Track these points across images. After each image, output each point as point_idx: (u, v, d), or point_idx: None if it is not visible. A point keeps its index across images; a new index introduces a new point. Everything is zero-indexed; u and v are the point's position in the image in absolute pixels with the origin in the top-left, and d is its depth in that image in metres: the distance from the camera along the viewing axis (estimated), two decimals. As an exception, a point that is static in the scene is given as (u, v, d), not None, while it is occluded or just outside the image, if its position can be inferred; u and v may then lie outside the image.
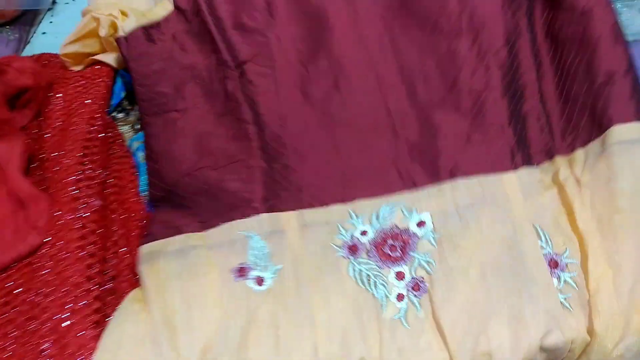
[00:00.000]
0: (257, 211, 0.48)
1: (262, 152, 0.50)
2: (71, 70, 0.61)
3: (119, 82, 0.62)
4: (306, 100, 0.52)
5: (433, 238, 0.46)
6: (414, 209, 0.47)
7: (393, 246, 0.46)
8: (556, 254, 0.44)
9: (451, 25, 0.52)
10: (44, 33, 0.75)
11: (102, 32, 0.57)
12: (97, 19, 0.57)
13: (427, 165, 0.49)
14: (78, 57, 0.61)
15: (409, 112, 0.51)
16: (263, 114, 0.51)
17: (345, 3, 0.54)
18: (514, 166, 0.48)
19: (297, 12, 0.54)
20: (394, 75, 0.52)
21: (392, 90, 0.52)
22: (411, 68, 0.52)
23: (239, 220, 0.48)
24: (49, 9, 0.77)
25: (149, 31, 0.54)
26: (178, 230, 0.47)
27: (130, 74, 0.55)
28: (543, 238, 0.45)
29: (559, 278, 0.43)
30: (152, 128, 0.53)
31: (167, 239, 0.47)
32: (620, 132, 0.45)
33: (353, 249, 0.46)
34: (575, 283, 0.43)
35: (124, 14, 0.56)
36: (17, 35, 0.74)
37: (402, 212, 0.47)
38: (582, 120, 0.48)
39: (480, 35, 0.51)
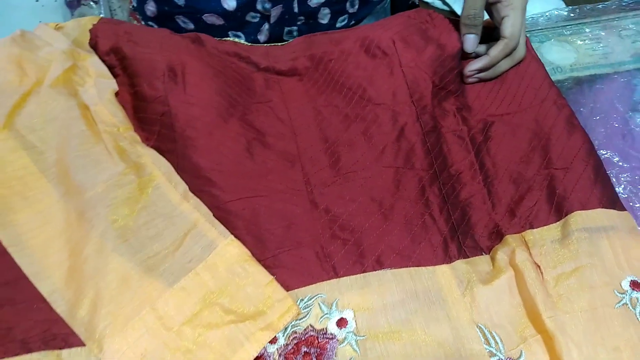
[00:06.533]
0: None
1: None
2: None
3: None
4: (222, 156, 0.44)
5: (355, 342, 0.37)
6: (334, 303, 0.38)
7: (307, 354, 0.37)
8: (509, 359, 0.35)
9: (379, 95, 0.48)
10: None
11: None
12: None
13: (351, 248, 0.40)
14: None
15: (331, 181, 0.44)
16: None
17: (270, 75, 0.50)
18: (449, 258, 0.40)
19: (211, 72, 0.48)
20: (316, 144, 0.46)
21: (312, 160, 0.45)
22: (335, 136, 0.47)
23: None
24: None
25: None
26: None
27: None
28: (492, 340, 0.36)
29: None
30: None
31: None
32: (585, 217, 0.39)
33: (256, 362, 0.37)
34: None
35: None
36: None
37: (320, 307, 0.38)
38: (536, 202, 0.41)
39: (402, 114, 0.47)
